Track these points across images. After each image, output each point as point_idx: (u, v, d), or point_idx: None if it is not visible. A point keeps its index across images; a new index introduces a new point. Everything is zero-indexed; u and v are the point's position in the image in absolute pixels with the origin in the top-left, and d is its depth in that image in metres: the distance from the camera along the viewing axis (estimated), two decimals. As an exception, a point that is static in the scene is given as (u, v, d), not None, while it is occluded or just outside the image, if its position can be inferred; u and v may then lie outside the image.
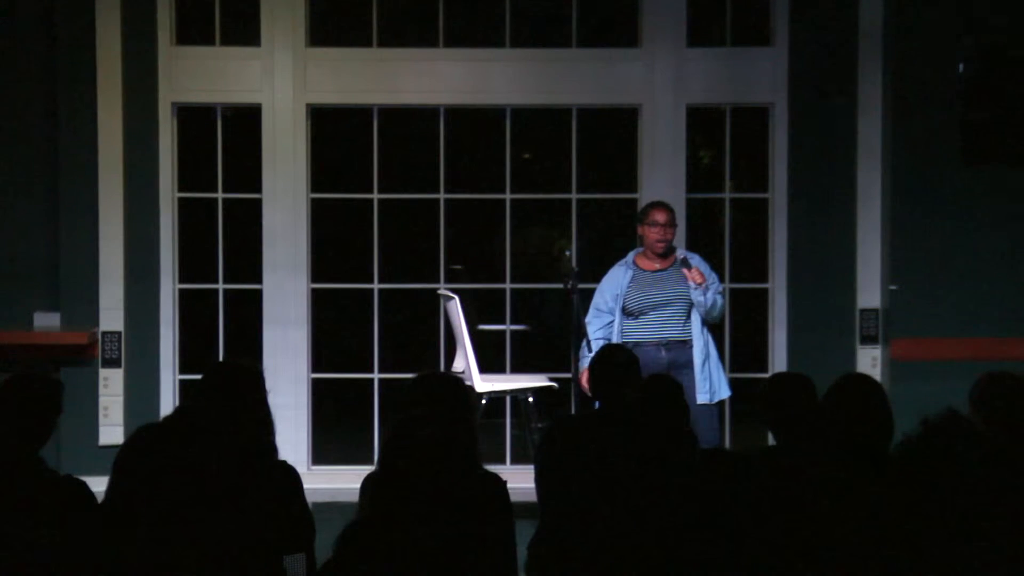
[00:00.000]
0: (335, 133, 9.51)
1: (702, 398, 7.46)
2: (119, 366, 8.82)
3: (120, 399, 8.78)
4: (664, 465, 4.70)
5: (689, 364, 7.49)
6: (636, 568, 3.67)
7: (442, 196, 9.21)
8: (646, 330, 7.53)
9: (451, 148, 9.20)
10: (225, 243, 9.14)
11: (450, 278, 9.27)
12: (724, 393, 7.60)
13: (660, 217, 7.64)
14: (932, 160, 8.54)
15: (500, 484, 4.70)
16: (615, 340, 7.46)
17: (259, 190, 9.04)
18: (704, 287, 7.49)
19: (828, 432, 4.56)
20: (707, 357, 7.52)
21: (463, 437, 4.57)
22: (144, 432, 3.70)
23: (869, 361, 8.69)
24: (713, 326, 7.72)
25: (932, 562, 2.99)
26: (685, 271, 7.52)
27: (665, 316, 7.54)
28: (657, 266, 7.65)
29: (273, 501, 4.55)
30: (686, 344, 7.53)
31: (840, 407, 4.57)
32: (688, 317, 7.55)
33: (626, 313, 7.56)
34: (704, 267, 7.66)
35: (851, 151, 8.76)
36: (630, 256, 7.77)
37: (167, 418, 3.88)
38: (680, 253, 7.64)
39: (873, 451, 4.42)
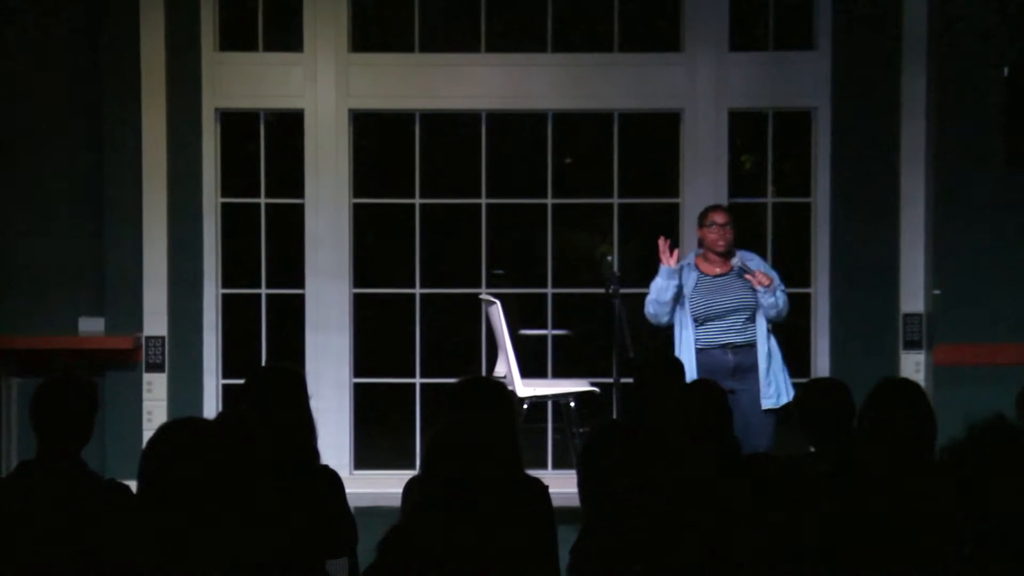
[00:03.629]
0: (377, 138, 9.54)
1: (767, 403, 7.42)
2: (163, 371, 8.86)
3: (164, 403, 8.81)
4: (706, 470, 4.68)
5: (754, 368, 7.45)
6: (679, 573, 3.66)
7: (483, 201, 9.21)
8: (711, 336, 7.50)
9: (492, 153, 9.21)
10: (268, 248, 9.18)
11: (491, 283, 9.27)
12: (788, 397, 7.53)
13: (719, 218, 7.64)
14: (976, 164, 8.49)
15: (542, 489, 4.70)
16: (686, 346, 7.46)
17: (302, 195, 9.07)
18: (772, 288, 7.46)
19: (870, 437, 4.53)
20: (771, 361, 7.49)
21: (505, 442, 4.57)
22: (167, 431, 3.69)
23: (912, 366, 8.64)
24: (773, 328, 7.65)
25: (978, 567, 2.96)
26: (749, 277, 7.50)
27: (729, 322, 7.50)
28: (718, 271, 7.61)
29: (315, 505, 4.56)
30: (752, 347, 7.50)
31: (882, 412, 4.54)
32: (752, 321, 7.51)
33: (692, 319, 7.53)
34: (764, 267, 7.63)
35: (894, 155, 8.72)
36: (691, 257, 7.74)
37: (197, 419, 3.84)
38: (736, 261, 7.59)
39: (917, 456, 4.39)
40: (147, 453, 3.55)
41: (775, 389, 7.46)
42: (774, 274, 7.59)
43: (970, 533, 2.96)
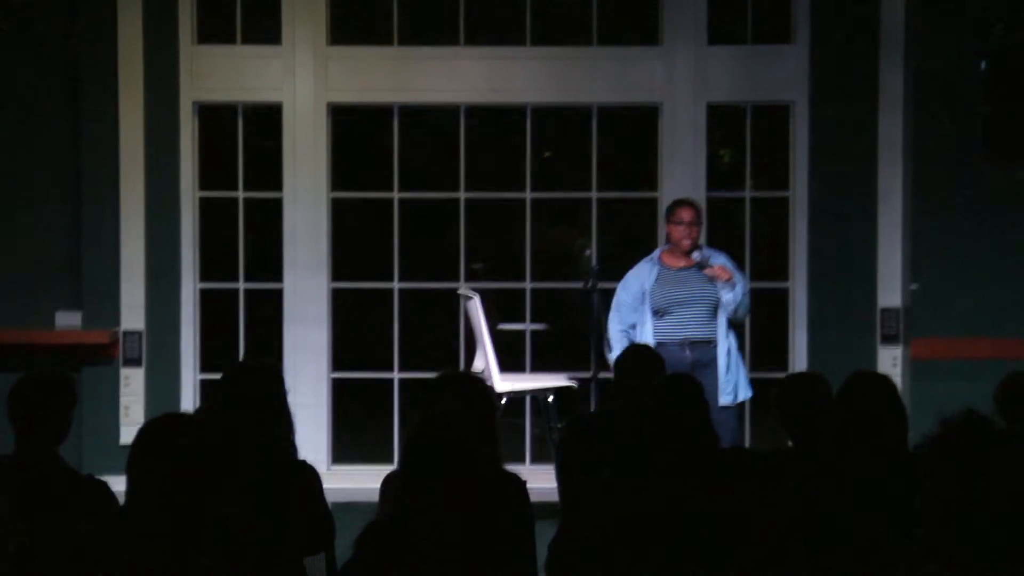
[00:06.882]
0: (355, 132, 9.52)
1: (725, 400, 7.43)
2: (140, 365, 8.84)
3: (141, 398, 8.79)
4: (684, 464, 4.69)
5: (712, 364, 7.45)
6: (657, 567, 3.67)
7: (462, 195, 9.20)
8: (670, 329, 7.49)
9: (471, 147, 9.20)
10: (246, 242, 9.16)
11: (470, 277, 9.26)
12: (745, 394, 7.56)
13: (685, 215, 7.59)
14: (954, 159, 8.51)
15: (520, 484, 4.70)
16: (644, 339, 7.44)
17: (280, 189, 9.05)
18: (732, 283, 7.44)
19: (842, 431, 4.54)
20: (731, 358, 7.48)
21: (483, 437, 4.57)
22: (153, 426, 3.69)
23: (890, 361, 8.66)
24: (734, 325, 7.67)
25: (951, 562, 2.98)
26: (708, 271, 7.48)
27: (690, 315, 7.49)
28: (682, 264, 7.60)
29: (293, 501, 4.55)
30: (710, 344, 7.49)
31: (852, 405, 4.56)
32: (713, 317, 7.50)
33: (652, 311, 7.52)
34: (729, 265, 7.60)
35: (872, 149, 8.74)
36: (656, 252, 7.73)
37: (180, 414, 3.86)
38: (697, 255, 7.56)
39: (889, 449, 4.40)
40: (135, 451, 3.55)
41: (733, 387, 7.47)
42: (739, 274, 7.59)
43: (942, 529, 2.97)
